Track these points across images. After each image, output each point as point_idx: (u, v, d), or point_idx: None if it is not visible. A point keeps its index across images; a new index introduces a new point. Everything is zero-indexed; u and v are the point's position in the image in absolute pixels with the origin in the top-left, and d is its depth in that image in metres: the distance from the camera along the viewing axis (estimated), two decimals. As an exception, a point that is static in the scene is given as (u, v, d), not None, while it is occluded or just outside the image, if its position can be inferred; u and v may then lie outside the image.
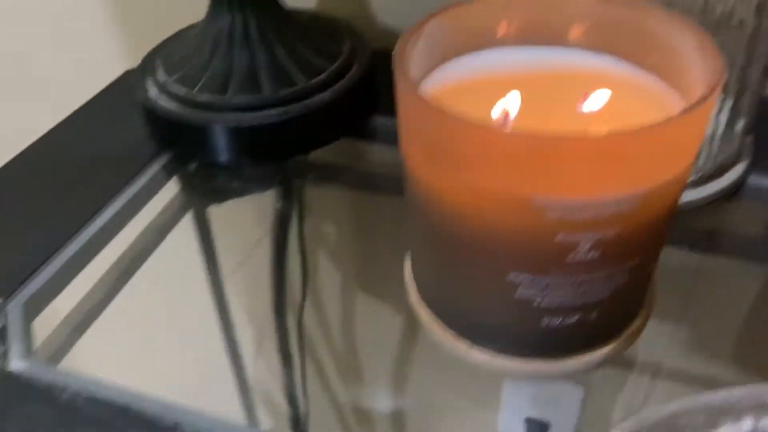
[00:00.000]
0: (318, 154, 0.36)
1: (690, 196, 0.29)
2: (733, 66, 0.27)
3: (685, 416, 0.21)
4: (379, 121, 0.37)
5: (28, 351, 0.27)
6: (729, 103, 0.28)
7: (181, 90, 0.35)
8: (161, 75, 0.36)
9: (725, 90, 0.27)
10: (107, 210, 0.33)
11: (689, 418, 0.21)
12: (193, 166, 0.36)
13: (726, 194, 0.30)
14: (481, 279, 0.20)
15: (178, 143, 0.35)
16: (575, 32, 0.21)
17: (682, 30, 0.19)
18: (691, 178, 0.29)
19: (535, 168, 0.17)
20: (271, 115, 0.34)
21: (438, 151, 0.18)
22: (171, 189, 0.35)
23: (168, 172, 0.36)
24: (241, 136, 0.34)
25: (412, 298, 0.25)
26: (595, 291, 0.20)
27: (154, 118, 0.35)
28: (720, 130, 0.28)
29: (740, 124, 0.29)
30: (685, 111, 0.17)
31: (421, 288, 0.24)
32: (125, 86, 0.41)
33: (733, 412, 0.21)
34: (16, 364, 0.26)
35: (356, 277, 0.32)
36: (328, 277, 0.32)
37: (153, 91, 0.36)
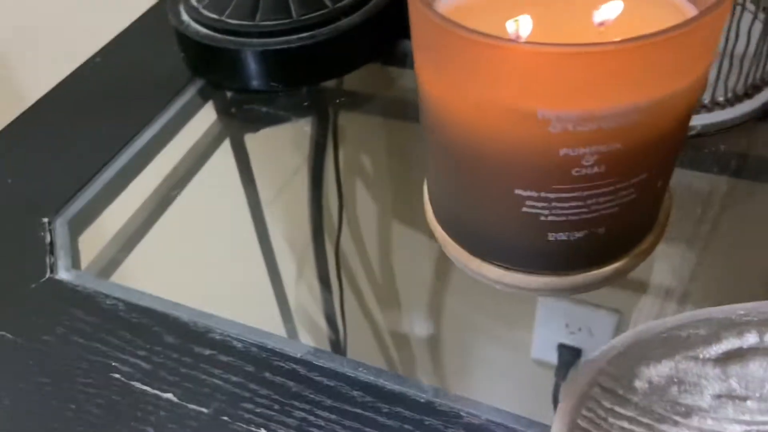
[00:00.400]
0: (350, 82, 0.37)
1: (720, 116, 0.29)
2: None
3: (686, 329, 0.21)
4: (409, 45, 0.37)
5: (74, 263, 0.29)
6: (761, 18, 0.27)
7: (211, 15, 0.35)
8: (193, 1, 0.37)
9: (756, 2, 0.26)
10: (146, 132, 0.34)
11: (690, 330, 0.21)
12: (227, 93, 0.37)
13: (758, 115, 0.29)
14: (490, 194, 0.21)
15: (212, 69, 0.36)
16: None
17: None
18: (722, 98, 0.29)
19: (538, 80, 0.17)
20: (300, 39, 0.34)
21: (448, 67, 0.19)
22: (208, 114, 0.37)
23: (203, 97, 0.37)
24: (270, 61, 0.35)
25: (429, 218, 0.26)
26: (601, 206, 0.20)
27: (187, 43, 0.36)
28: (751, 48, 0.27)
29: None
30: (690, 20, 0.16)
31: (436, 208, 0.25)
32: (161, 12, 0.41)
33: (737, 326, 0.21)
34: (64, 274, 0.28)
35: (390, 204, 0.33)
36: (364, 204, 0.33)
37: (185, 17, 0.36)
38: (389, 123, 0.37)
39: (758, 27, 0.27)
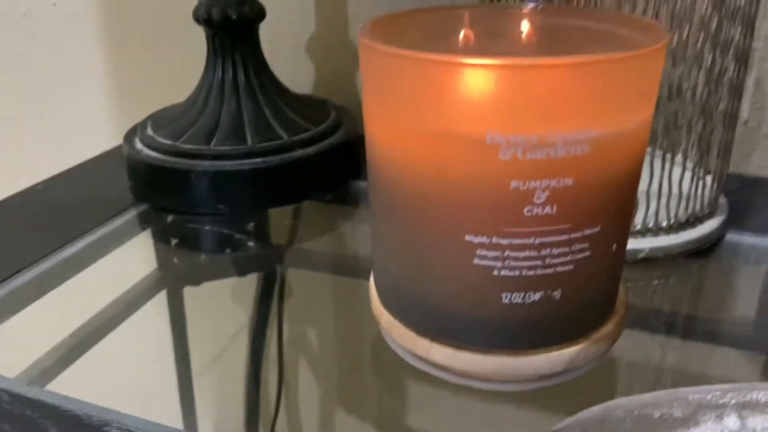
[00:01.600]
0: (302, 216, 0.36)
1: (661, 241, 0.29)
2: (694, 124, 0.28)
3: (660, 408, 0.19)
4: (360, 186, 0.38)
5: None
6: (695, 155, 0.29)
7: (166, 141, 0.36)
8: (149, 132, 0.37)
9: (691, 143, 0.28)
10: (71, 247, 0.33)
11: (664, 409, 0.19)
12: (168, 218, 0.36)
13: (699, 246, 0.30)
14: (438, 245, 0.19)
15: (159, 191, 0.36)
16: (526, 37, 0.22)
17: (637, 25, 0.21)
18: (664, 224, 0.29)
19: (489, 99, 0.17)
20: (253, 163, 0.34)
21: (393, 99, 0.19)
22: (145, 238, 0.35)
23: (143, 221, 0.36)
24: (220, 183, 0.34)
25: (374, 306, 0.24)
26: (556, 260, 0.19)
27: (137, 167, 0.36)
28: (687, 178, 0.29)
29: (711, 178, 0.30)
30: (631, 54, 0.17)
31: (381, 288, 0.23)
32: (114, 153, 0.42)
33: (715, 408, 0.19)
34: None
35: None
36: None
37: (139, 145, 0.37)
38: (337, 278, 0.35)
39: (693, 158, 0.29)
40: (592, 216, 0.19)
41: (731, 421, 0.19)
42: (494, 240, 0.19)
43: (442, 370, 0.22)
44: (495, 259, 0.19)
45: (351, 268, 0.33)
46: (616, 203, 0.19)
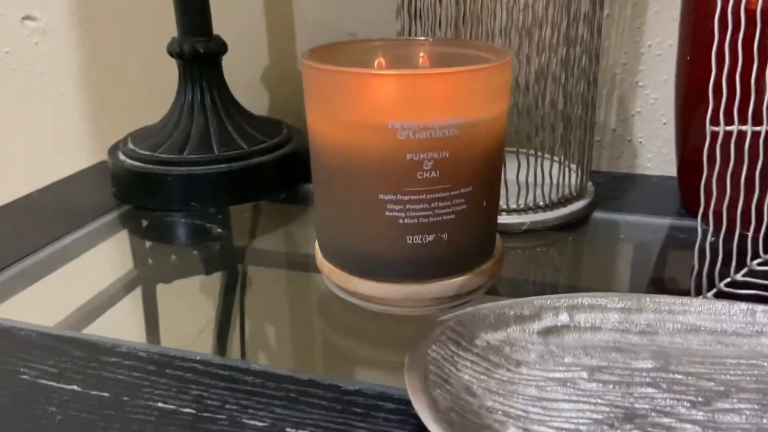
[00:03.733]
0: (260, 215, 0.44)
1: (539, 216, 0.38)
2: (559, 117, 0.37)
3: (513, 308, 0.27)
4: (308, 188, 0.46)
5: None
6: (560, 151, 0.38)
7: (145, 152, 0.43)
8: (130, 145, 0.45)
9: (557, 143, 0.37)
10: (62, 240, 0.39)
11: (516, 309, 0.27)
12: (145, 219, 0.43)
13: (569, 220, 0.39)
14: (360, 204, 0.27)
15: (140, 193, 0.43)
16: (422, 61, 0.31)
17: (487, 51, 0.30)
18: (541, 203, 0.38)
19: (390, 98, 0.25)
20: (219, 168, 0.42)
21: (326, 102, 0.27)
22: (126, 235, 0.42)
23: (124, 219, 0.43)
24: (192, 184, 0.42)
25: (319, 260, 0.31)
26: (442, 211, 0.27)
27: (121, 175, 0.43)
28: (555, 169, 0.38)
29: (576, 168, 0.39)
30: (483, 67, 0.26)
31: (322, 244, 0.31)
32: (99, 168, 0.49)
33: (552, 309, 0.27)
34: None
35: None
36: None
37: (122, 157, 0.44)
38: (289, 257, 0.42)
39: (560, 152, 0.38)
40: (465, 179, 0.27)
41: (564, 317, 0.27)
42: (398, 197, 0.27)
43: (366, 300, 0.30)
44: (400, 211, 0.27)
45: (298, 253, 0.41)
46: (483, 170, 0.28)
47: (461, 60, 0.30)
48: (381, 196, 0.27)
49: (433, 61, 0.31)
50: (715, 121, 0.28)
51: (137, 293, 0.36)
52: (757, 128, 0.28)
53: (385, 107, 0.26)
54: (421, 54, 0.31)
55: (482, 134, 0.27)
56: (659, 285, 0.35)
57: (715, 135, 0.28)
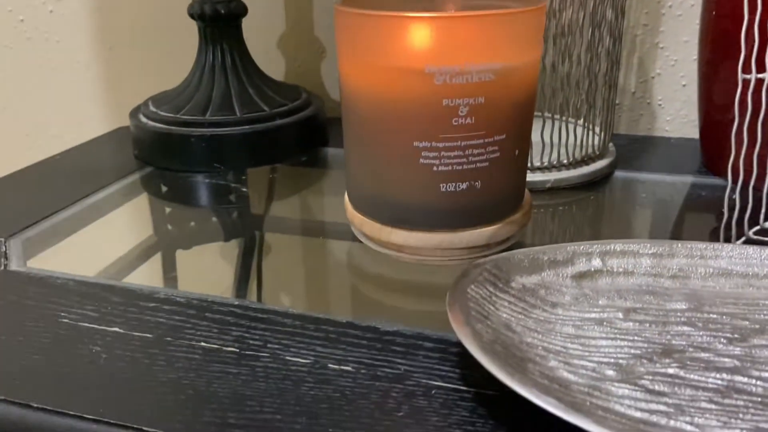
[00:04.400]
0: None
1: (563, 174, 0.38)
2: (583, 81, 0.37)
3: (547, 254, 0.27)
4: (328, 152, 0.46)
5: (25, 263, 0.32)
6: (584, 109, 0.38)
7: (168, 115, 0.43)
8: (152, 108, 0.45)
9: (581, 99, 0.37)
10: (89, 199, 0.40)
11: (549, 254, 0.27)
12: (165, 189, 0.43)
13: (592, 178, 0.39)
14: (394, 151, 0.28)
15: (163, 155, 0.43)
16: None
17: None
18: (564, 161, 0.38)
19: (427, 43, 0.26)
20: (242, 130, 0.42)
21: (360, 48, 0.27)
22: (151, 195, 0.42)
23: (147, 181, 0.43)
24: (215, 146, 0.42)
25: (349, 212, 0.32)
26: (476, 158, 0.27)
27: (143, 137, 0.44)
28: (581, 129, 0.38)
29: (599, 128, 0.39)
30: (516, 10, 0.26)
31: (352, 196, 0.31)
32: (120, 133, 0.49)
33: (585, 255, 0.28)
34: (15, 267, 0.31)
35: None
36: None
37: (144, 119, 0.44)
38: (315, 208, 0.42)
39: (584, 112, 0.38)
40: (499, 126, 0.28)
41: (596, 262, 0.28)
42: (433, 144, 0.27)
43: (398, 250, 0.30)
44: (434, 158, 0.27)
45: (324, 213, 0.41)
46: (516, 118, 0.28)
47: (489, 8, 0.30)
48: (416, 144, 0.27)
49: (463, 9, 0.31)
50: (747, 69, 0.28)
51: (168, 249, 0.36)
52: (789, 75, 0.28)
53: (421, 51, 0.26)
54: (451, 5, 0.31)
55: (517, 81, 0.27)
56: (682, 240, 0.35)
57: (746, 83, 0.29)
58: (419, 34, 0.26)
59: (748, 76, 0.28)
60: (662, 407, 0.20)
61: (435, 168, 0.28)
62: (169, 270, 0.34)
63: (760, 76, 0.28)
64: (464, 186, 0.28)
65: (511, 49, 0.27)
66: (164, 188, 0.42)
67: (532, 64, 0.28)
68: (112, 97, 0.61)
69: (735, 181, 0.30)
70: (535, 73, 0.29)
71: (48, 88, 0.62)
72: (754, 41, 0.28)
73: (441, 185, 0.28)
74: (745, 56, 0.28)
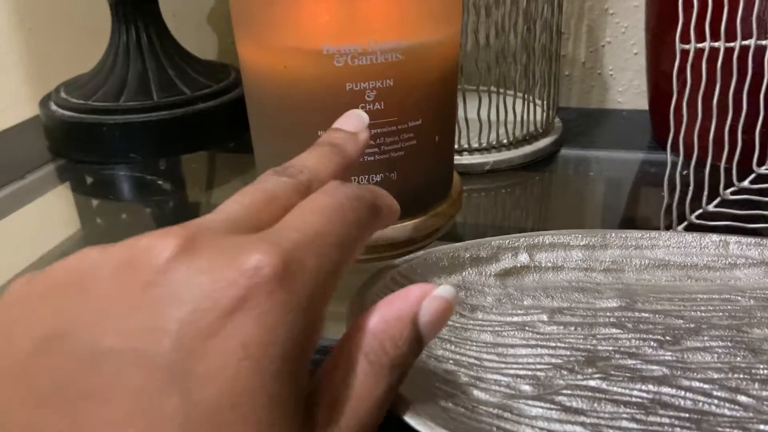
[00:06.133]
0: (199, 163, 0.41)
1: (503, 155, 0.36)
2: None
3: (469, 250, 0.25)
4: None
5: None
6: (523, 84, 0.35)
7: (78, 101, 0.40)
8: (62, 95, 0.41)
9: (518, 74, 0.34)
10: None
11: (472, 251, 0.25)
12: (82, 178, 0.40)
13: (534, 158, 0.37)
14: (297, 142, 0.25)
15: (75, 146, 0.40)
16: None
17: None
18: (504, 141, 0.36)
19: (323, 19, 0.23)
20: (160, 116, 0.39)
21: (255, 28, 0.24)
22: (65, 189, 0.39)
23: (60, 174, 0.40)
24: (131, 134, 0.39)
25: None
26: (389, 147, 0.25)
27: (53, 126, 0.40)
28: (519, 104, 0.35)
29: (541, 103, 0.37)
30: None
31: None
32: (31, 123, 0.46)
33: (511, 249, 0.25)
34: None
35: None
36: None
37: (54, 107, 0.41)
38: None
39: (525, 89, 0.35)
40: (414, 111, 0.25)
41: (523, 257, 0.25)
42: (339, 132, 0.24)
43: (314, 248, 0.27)
44: (342, 148, 0.25)
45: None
46: (434, 102, 0.25)
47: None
48: (320, 133, 0.24)
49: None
50: (685, 39, 0.26)
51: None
52: (730, 44, 0.26)
53: (317, 28, 0.23)
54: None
55: (431, 60, 0.25)
56: (630, 222, 0.33)
57: (685, 54, 0.26)
58: (313, 9, 0.23)
59: (686, 47, 0.26)
60: (578, 428, 0.18)
61: (343, 159, 0.25)
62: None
63: (699, 46, 0.26)
64: (378, 178, 0.25)
65: (421, 24, 0.24)
66: (74, 183, 0.39)
67: (449, 40, 0.25)
68: (32, 80, 0.57)
69: (676, 161, 0.28)
70: (454, 50, 0.26)
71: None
72: (692, 8, 0.25)
73: (352, 178, 0.25)
74: (684, 25, 0.26)
